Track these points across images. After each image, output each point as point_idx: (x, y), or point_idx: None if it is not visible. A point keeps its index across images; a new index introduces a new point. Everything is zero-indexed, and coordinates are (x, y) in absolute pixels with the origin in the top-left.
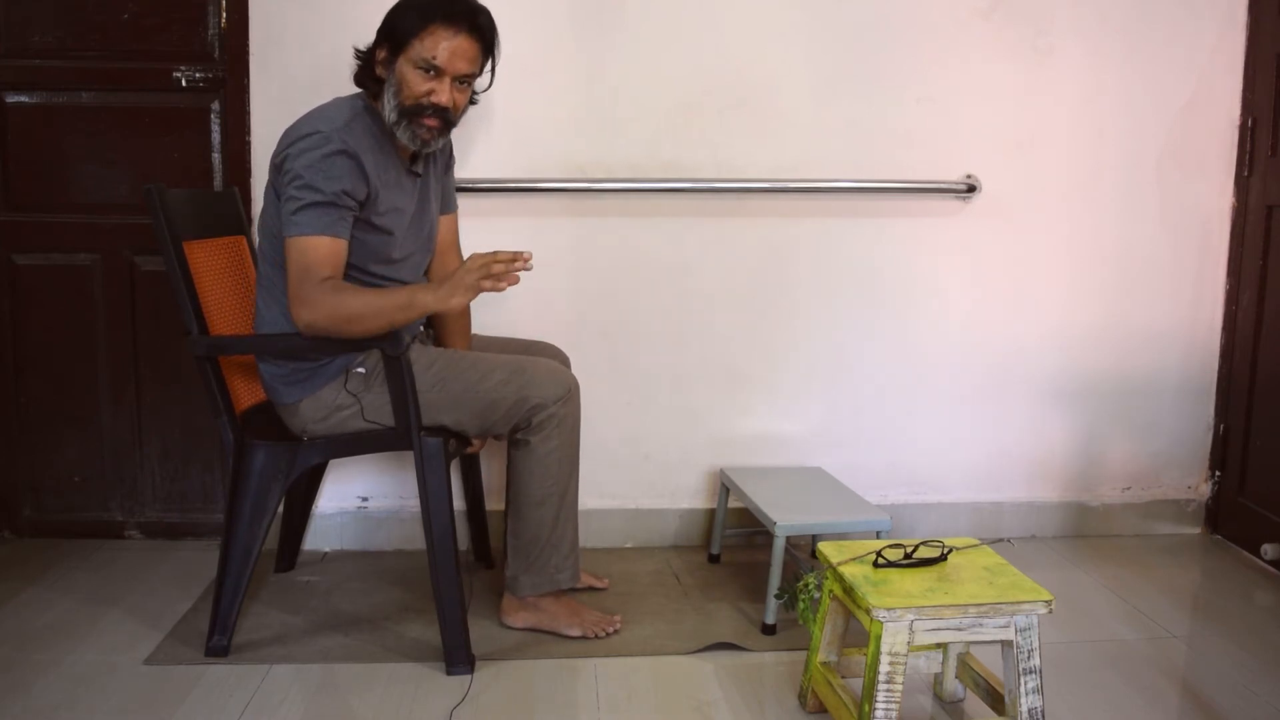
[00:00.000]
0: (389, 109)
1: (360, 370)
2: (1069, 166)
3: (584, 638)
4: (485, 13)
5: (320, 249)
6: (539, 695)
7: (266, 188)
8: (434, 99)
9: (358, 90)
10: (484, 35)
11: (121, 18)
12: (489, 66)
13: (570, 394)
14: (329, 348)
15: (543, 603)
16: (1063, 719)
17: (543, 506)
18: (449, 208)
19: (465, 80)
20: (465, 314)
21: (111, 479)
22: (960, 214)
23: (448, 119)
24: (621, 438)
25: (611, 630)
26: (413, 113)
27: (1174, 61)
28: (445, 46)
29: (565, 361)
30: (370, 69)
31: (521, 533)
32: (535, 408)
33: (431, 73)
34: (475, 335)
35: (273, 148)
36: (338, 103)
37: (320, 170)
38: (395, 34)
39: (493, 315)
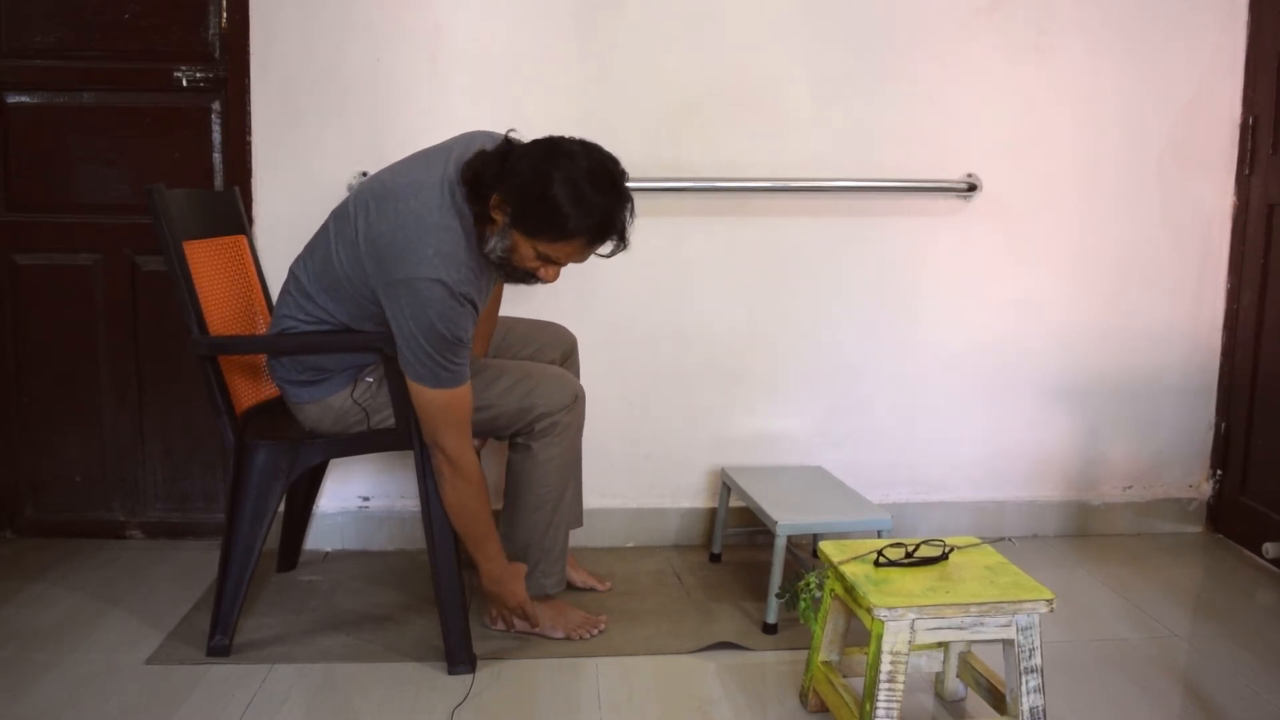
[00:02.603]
0: (493, 249)
1: (369, 380)
2: (1070, 165)
3: (568, 639)
4: (628, 225)
5: (467, 396)
6: (540, 695)
7: (344, 228)
8: (541, 275)
9: (452, 175)
10: (621, 240)
11: (122, 18)
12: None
13: (575, 402)
14: (334, 350)
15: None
16: (1064, 718)
17: (538, 512)
18: None
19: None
20: (492, 320)
21: (113, 479)
22: (961, 213)
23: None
24: (622, 437)
25: (596, 631)
26: (513, 273)
27: (1175, 60)
28: (573, 253)
29: (573, 343)
30: (482, 191)
31: (514, 536)
32: (540, 416)
33: (548, 261)
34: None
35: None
36: (445, 230)
37: (458, 320)
38: (529, 219)
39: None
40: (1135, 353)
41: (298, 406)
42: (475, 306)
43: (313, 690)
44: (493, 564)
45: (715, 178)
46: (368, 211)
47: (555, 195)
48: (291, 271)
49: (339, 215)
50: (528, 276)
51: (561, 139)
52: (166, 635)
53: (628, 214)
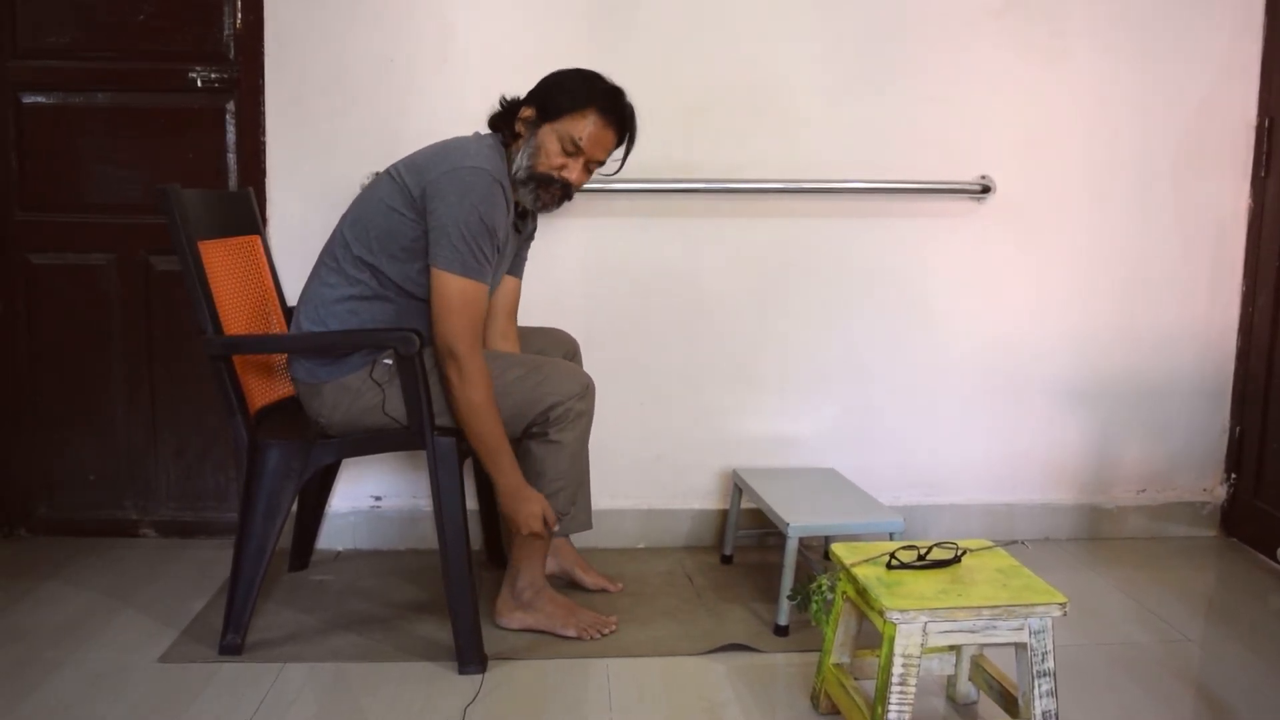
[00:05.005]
0: (520, 166)
1: (387, 362)
2: (1084, 167)
3: (579, 638)
4: (633, 113)
5: (485, 297)
6: (551, 695)
7: (385, 185)
8: (564, 174)
9: (488, 131)
10: (628, 134)
11: (136, 18)
12: (621, 155)
13: (587, 390)
14: (348, 348)
15: (538, 603)
16: None
17: (554, 499)
18: (516, 272)
19: (595, 164)
20: (512, 320)
21: (126, 477)
22: (974, 214)
23: (569, 194)
24: (634, 438)
25: (607, 631)
26: (541, 180)
27: (1190, 61)
28: (593, 133)
29: (575, 347)
30: (511, 120)
31: None
32: (553, 405)
33: (571, 149)
34: None
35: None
36: (484, 145)
37: (495, 209)
38: (551, 103)
39: None
40: (1149, 356)
41: (315, 388)
42: (508, 208)
43: (324, 689)
44: (508, 478)
45: (727, 178)
46: (410, 158)
47: (568, 75)
48: (323, 249)
49: (371, 185)
50: (550, 185)
51: None
52: (179, 634)
53: (630, 104)
